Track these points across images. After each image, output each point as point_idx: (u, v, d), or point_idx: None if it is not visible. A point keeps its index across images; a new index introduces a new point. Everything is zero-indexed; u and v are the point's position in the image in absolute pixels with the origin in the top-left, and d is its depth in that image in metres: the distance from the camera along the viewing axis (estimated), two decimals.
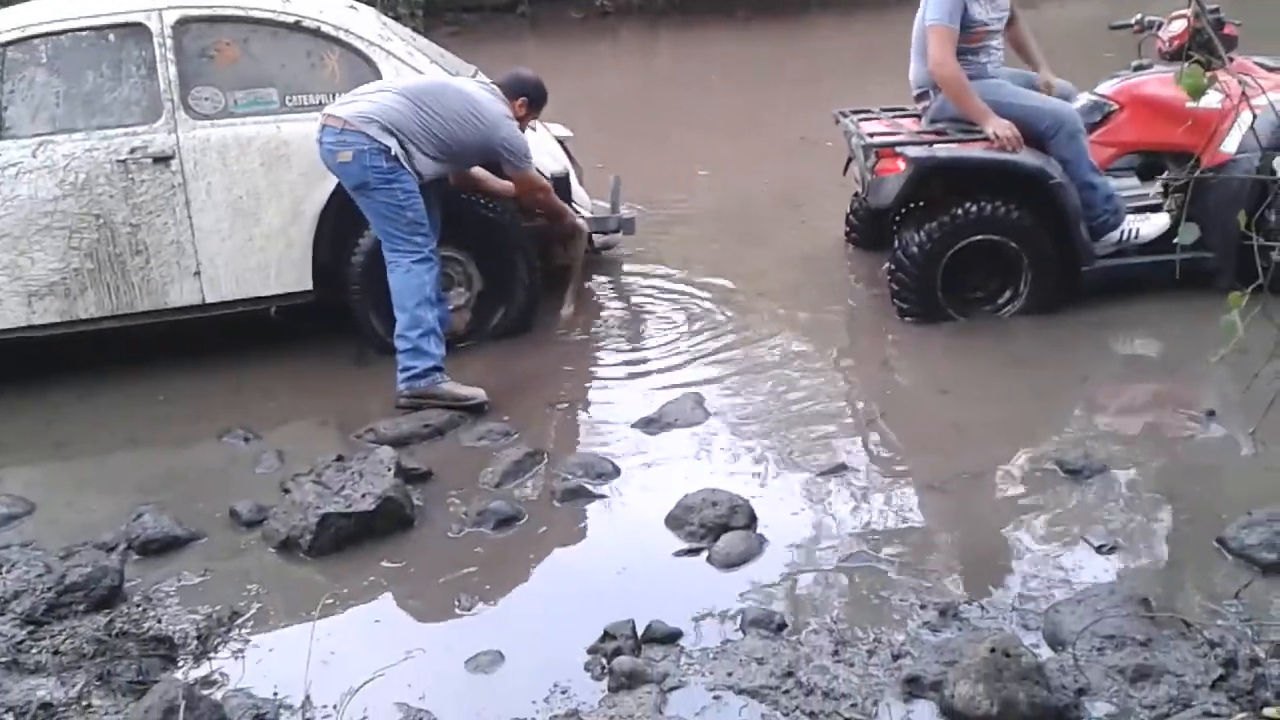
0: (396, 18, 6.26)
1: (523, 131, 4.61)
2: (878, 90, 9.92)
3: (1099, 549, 3.18)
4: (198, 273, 4.76)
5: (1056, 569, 3.12)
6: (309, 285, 4.84)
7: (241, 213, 4.74)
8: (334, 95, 4.71)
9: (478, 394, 4.36)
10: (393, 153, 4.25)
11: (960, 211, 4.66)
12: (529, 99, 4.64)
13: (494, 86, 4.66)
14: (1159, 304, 4.81)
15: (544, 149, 5.42)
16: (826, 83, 10.31)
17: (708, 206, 6.82)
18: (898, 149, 4.75)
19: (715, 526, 3.36)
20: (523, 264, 4.97)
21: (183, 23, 4.68)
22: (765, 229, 6.38)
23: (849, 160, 5.49)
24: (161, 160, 4.67)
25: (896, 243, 4.85)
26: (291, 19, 4.76)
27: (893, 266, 4.82)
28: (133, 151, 4.65)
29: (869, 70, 10.90)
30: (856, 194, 5.70)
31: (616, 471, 3.81)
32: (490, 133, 4.45)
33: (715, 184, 7.33)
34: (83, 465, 4.33)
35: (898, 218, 5.18)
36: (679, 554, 3.30)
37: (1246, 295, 2.32)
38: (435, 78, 4.69)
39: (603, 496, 3.67)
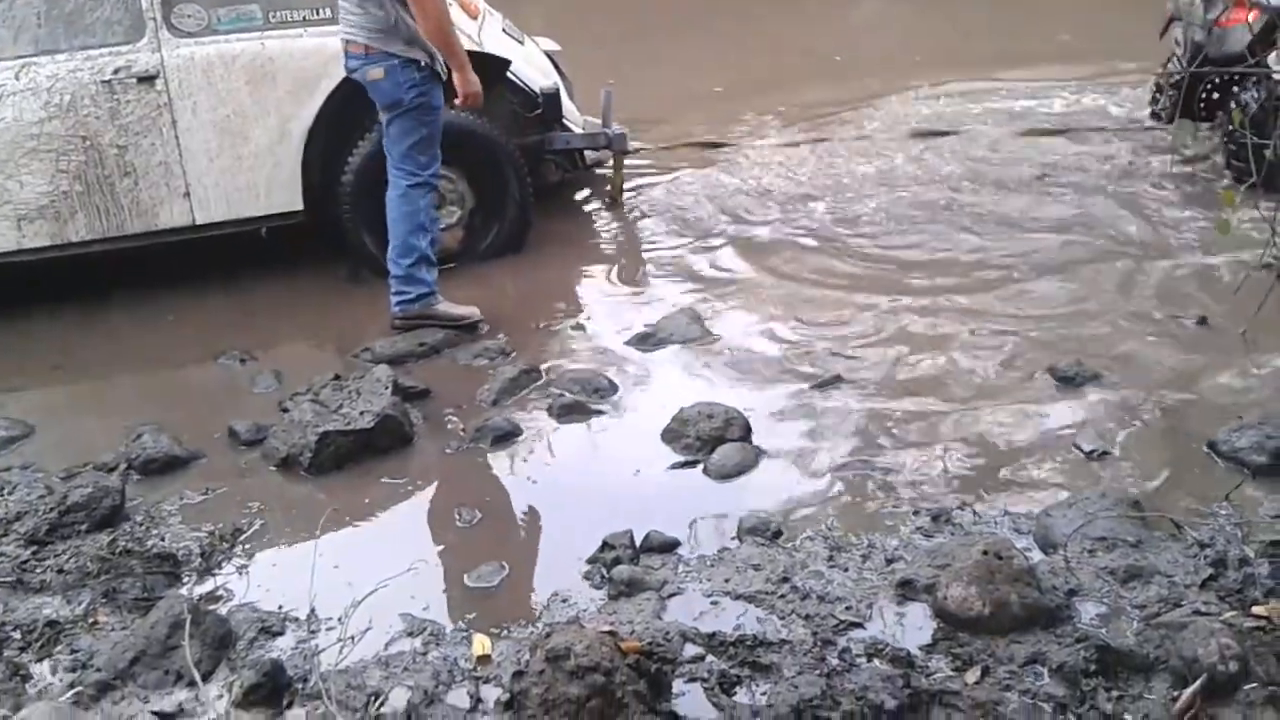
0: None
1: None
2: (873, 8, 9.81)
3: (1089, 454, 3.22)
4: (187, 194, 4.72)
5: (1048, 474, 3.16)
6: (299, 205, 4.80)
7: (229, 132, 4.69)
8: (318, 10, 4.63)
9: (473, 312, 4.36)
10: (422, 64, 4.13)
11: None
12: None
13: None
14: (1153, 200, 4.82)
15: (533, 63, 5.36)
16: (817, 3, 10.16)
17: (706, 124, 6.74)
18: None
19: (711, 439, 3.39)
20: (515, 181, 4.93)
21: None
22: (774, 138, 6.33)
23: (1168, 21, 5.32)
24: (146, 80, 4.60)
25: (1234, 104, 4.71)
26: None
27: (1230, 130, 4.66)
28: (116, 72, 4.58)
29: None
30: (1170, 60, 5.56)
31: (613, 387, 3.83)
32: None
33: (717, 102, 7.23)
34: (80, 388, 4.34)
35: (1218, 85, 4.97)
36: (675, 466, 3.34)
37: (1241, 192, 2.32)
38: None
39: (599, 412, 3.69)
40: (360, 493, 3.31)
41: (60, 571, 2.97)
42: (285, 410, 3.68)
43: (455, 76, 4.17)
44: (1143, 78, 6.46)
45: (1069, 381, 3.61)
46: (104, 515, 3.19)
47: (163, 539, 3.12)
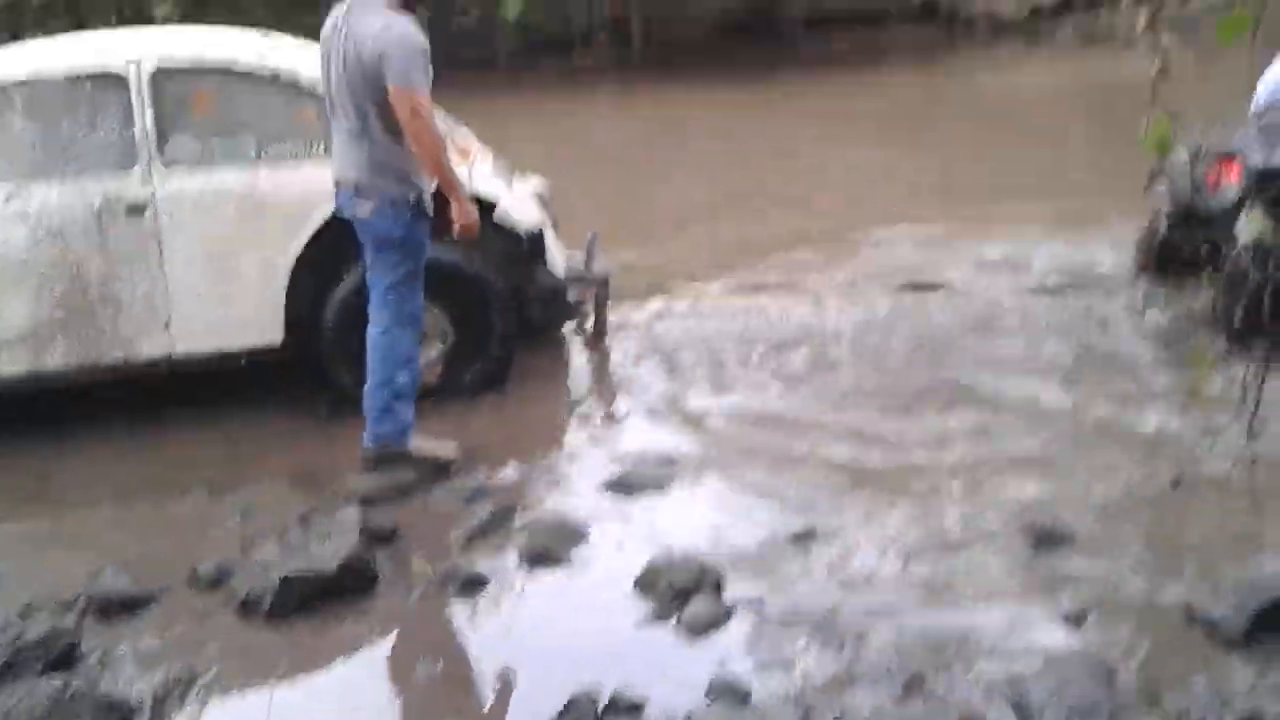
0: None
1: (414, 10, 4.18)
2: (852, 152, 10.06)
3: (1065, 618, 3.17)
4: (168, 324, 4.72)
5: (1024, 638, 3.10)
6: (280, 338, 4.80)
7: (215, 264, 4.72)
8: (311, 145, 4.71)
9: (447, 451, 4.33)
10: (411, 201, 4.15)
11: None
12: None
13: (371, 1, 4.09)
14: (1133, 355, 4.85)
15: (520, 203, 5.43)
16: (801, 141, 10.41)
17: (687, 260, 6.84)
18: (1237, 154, 4.70)
19: (684, 591, 3.33)
20: (498, 319, 4.96)
21: (161, 73, 4.68)
22: (748, 280, 6.39)
23: (1152, 176, 5.40)
24: (136, 210, 4.64)
25: (1225, 259, 4.65)
26: (270, 71, 4.77)
27: (1223, 284, 4.62)
28: (107, 201, 4.63)
29: (843, 130, 11.06)
30: (1156, 216, 5.62)
31: (585, 533, 3.78)
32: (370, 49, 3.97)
33: (699, 236, 7.35)
34: (45, 519, 4.27)
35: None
36: (646, 619, 3.27)
37: (1211, 356, 2.34)
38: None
39: (570, 560, 3.63)
40: (320, 640, 3.23)
41: (6, 715, 2.87)
42: (250, 550, 3.61)
43: (453, 207, 4.21)
44: (1129, 229, 6.55)
45: (1044, 540, 3.58)
46: (59, 656, 3.10)
47: (116, 683, 3.03)
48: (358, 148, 4.12)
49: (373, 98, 4.03)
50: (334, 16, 4.18)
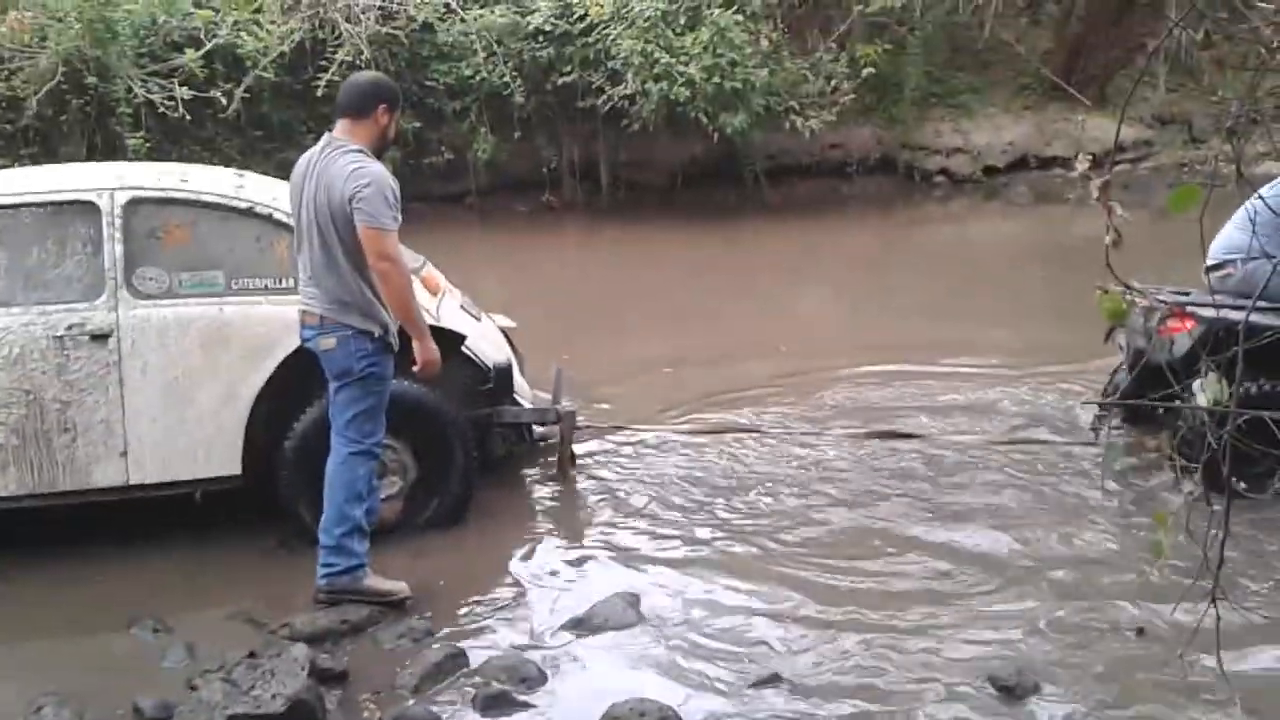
0: None
1: (390, 140, 4.35)
2: (814, 293, 10.25)
3: None
4: (124, 453, 4.65)
5: None
6: (238, 469, 4.74)
7: (175, 394, 4.68)
8: (281, 279, 4.73)
9: (400, 588, 4.25)
10: (375, 335, 4.19)
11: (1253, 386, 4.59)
12: (387, 101, 4.28)
13: (343, 142, 4.20)
14: (1098, 507, 4.87)
15: (488, 338, 5.47)
16: (765, 284, 10.59)
17: (652, 399, 6.85)
18: (1188, 308, 4.82)
19: None
20: (461, 454, 4.93)
21: (133, 203, 4.71)
22: (719, 423, 6.39)
23: (1111, 327, 5.49)
24: (99, 338, 4.61)
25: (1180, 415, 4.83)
26: (244, 205, 4.82)
27: (1179, 444, 4.76)
28: (70, 328, 4.59)
29: (806, 271, 11.28)
30: (1118, 369, 5.76)
31: (543, 676, 3.70)
32: (341, 189, 4.07)
33: (664, 375, 7.38)
34: None
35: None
36: None
37: (1172, 516, 2.35)
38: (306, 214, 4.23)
39: (527, 703, 3.54)
40: None
41: None
42: (194, 688, 3.50)
43: (415, 345, 4.25)
44: (1089, 378, 6.65)
45: (1009, 692, 3.54)
46: None
47: None
48: (324, 283, 4.16)
49: (341, 235, 4.10)
50: (309, 155, 4.27)
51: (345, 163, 4.11)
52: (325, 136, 4.28)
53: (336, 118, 4.31)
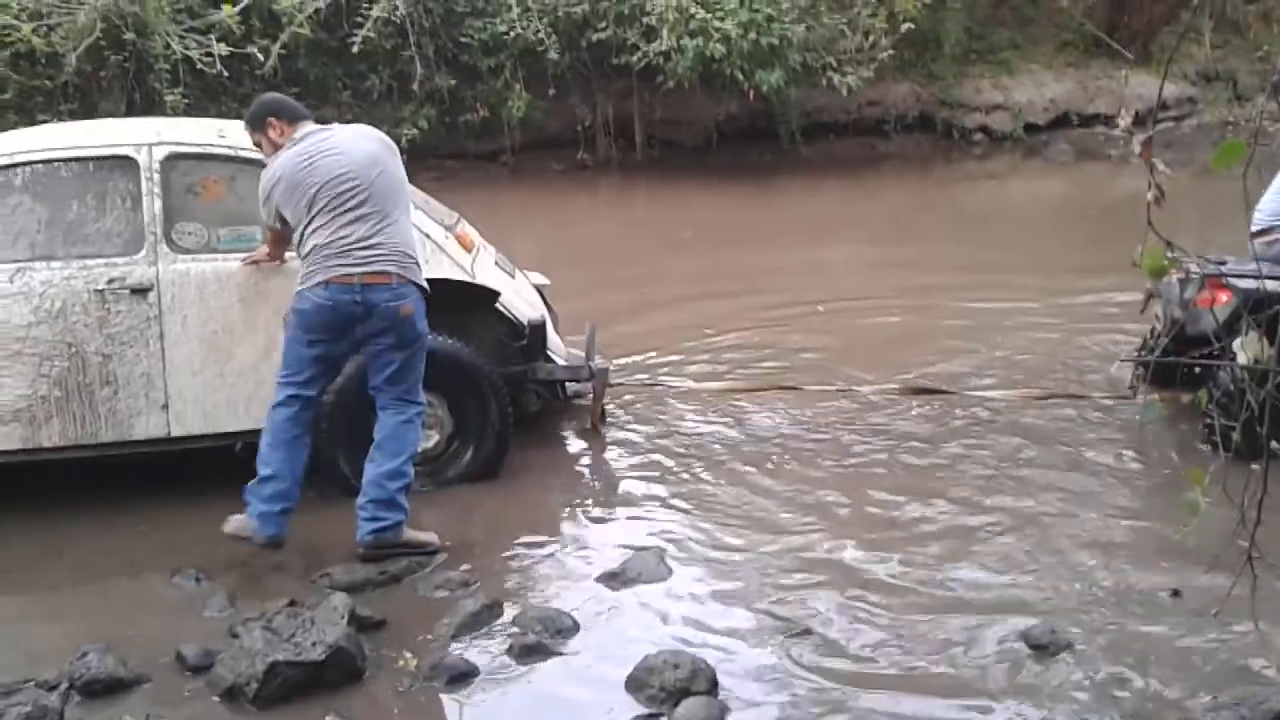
0: None
1: (277, 150, 4.34)
2: (853, 250, 10.18)
3: None
4: (165, 406, 4.72)
5: None
6: None
7: (215, 348, 4.74)
8: None
9: (433, 539, 4.31)
10: (426, 292, 4.29)
11: None
12: (274, 114, 4.40)
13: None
14: (1120, 473, 4.84)
15: (521, 295, 5.48)
16: (800, 241, 10.53)
17: (686, 357, 6.85)
18: (1226, 279, 4.81)
19: (676, 690, 3.28)
20: (496, 409, 4.96)
21: (171, 159, 4.74)
22: (750, 381, 6.40)
23: (1147, 297, 5.54)
24: (139, 292, 4.67)
25: (1218, 375, 4.89)
26: None
27: (1214, 399, 4.78)
28: (111, 282, 4.65)
29: (844, 230, 11.19)
30: (1151, 333, 5.74)
31: (576, 628, 3.74)
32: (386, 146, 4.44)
33: (699, 334, 7.37)
34: (29, 597, 4.22)
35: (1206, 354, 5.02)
36: (638, 719, 3.21)
37: (1208, 474, 2.34)
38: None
39: (561, 654, 3.59)
40: None
41: None
42: (236, 635, 3.56)
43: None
44: (1125, 339, 6.59)
45: (1043, 650, 3.54)
46: None
47: None
48: (396, 233, 4.23)
49: (403, 190, 4.35)
50: (313, 139, 4.31)
51: (363, 130, 4.47)
52: (300, 131, 4.36)
53: (297, 118, 4.41)
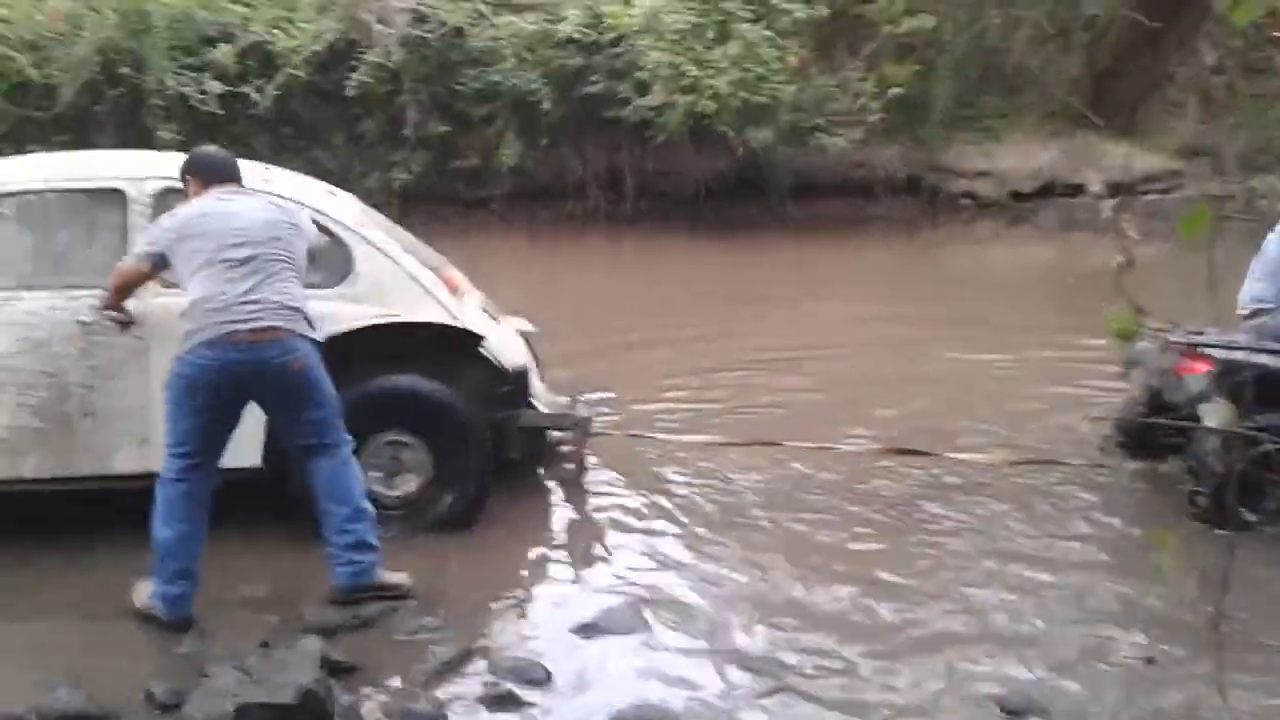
0: (375, 205, 6.42)
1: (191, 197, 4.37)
2: (839, 308, 10.26)
3: None
4: (145, 440, 4.69)
5: None
6: (259, 461, 4.75)
7: None
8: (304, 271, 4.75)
9: (405, 580, 4.28)
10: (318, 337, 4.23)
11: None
12: (190, 173, 4.45)
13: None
14: (1097, 537, 4.86)
15: (506, 341, 5.49)
16: (786, 298, 10.60)
17: (670, 408, 6.87)
18: (1204, 350, 4.89)
19: None
20: (476, 454, 4.95)
21: (164, 194, 4.75)
22: (732, 433, 6.41)
23: (1126, 364, 5.56)
24: (125, 325, 4.66)
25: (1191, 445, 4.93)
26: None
27: (1190, 468, 4.86)
28: (98, 314, 4.64)
29: (830, 288, 11.28)
30: (1130, 399, 5.78)
31: (549, 678, 3.71)
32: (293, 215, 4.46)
33: (682, 385, 7.39)
34: (2, 628, 4.16)
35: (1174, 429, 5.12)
36: None
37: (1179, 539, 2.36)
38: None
39: (533, 704, 3.56)
40: None
41: None
42: (206, 675, 3.52)
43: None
44: (1103, 405, 6.63)
45: (1016, 716, 3.53)
46: None
47: None
48: (274, 295, 4.09)
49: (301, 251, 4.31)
50: (220, 196, 4.32)
51: (273, 201, 4.46)
52: (219, 192, 4.35)
53: (212, 182, 4.38)
